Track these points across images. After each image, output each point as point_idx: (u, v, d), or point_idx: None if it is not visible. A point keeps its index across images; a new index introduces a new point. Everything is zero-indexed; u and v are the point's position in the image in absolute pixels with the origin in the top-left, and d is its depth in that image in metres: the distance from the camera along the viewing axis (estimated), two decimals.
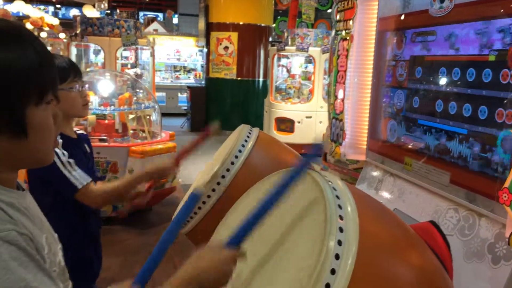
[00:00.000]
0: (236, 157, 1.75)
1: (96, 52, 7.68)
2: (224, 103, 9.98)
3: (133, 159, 4.31)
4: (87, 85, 1.98)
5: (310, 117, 7.81)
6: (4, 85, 0.76)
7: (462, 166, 1.66)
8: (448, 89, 1.77)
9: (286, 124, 8.02)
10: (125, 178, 1.82)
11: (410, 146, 1.97)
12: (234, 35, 9.72)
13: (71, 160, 1.68)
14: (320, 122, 7.55)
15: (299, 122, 7.86)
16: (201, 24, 10.64)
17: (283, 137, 7.87)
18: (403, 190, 1.98)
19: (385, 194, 2.10)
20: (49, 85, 0.83)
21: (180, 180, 5.80)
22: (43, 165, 0.89)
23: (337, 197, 1.04)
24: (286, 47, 8.06)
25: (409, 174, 1.94)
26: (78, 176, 1.67)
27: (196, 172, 2.16)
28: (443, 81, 1.80)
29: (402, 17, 2.03)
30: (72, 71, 1.69)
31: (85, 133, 2.01)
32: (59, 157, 1.65)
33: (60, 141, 1.67)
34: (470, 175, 1.62)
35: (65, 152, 1.68)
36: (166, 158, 4.56)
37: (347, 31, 2.25)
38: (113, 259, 3.60)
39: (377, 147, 2.20)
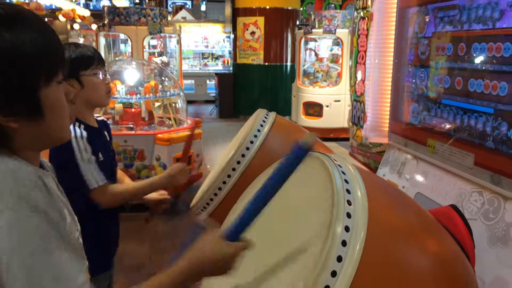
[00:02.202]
0: (252, 142, 1.73)
1: (124, 42, 7.77)
2: (252, 88, 9.95)
3: (159, 146, 4.35)
4: (111, 74, 2.02)
5: (338, 101, 7.69)
6: (14, 68, 0.78)
7: (487, 147, 1.58)
8: (474, 66, 1.68)
9: (314, 109, 7.93)
10: (142, 182, 1.84)
11: (433, 128, 1.89)
12: (260, 20, 9.63)
13: (92, 158, 1.69)
14: (349, 105, 7.42)
15: (327, 106, 7.76)
16: (228, 10, 10.59)
17: (312, 122, 7.80)
18: (426, 173, 1.91)
19: (408, 178, 2.03)
20: (57, 64, 0.86)
21: (207, 166, 5.84)
22: (61, 142, 0.93)
23: (346, 181, 1.00)
24: (313, 30, 7.94)
25: (433, 156, 1.86)
26: (93, 177, 1.68)
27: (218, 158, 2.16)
28: (468, 58, 1.71)
29: None
30: (95, 59, 1.73)
31: (104, 119, 2.02)
32: (80, 152, 1.67)
33: (84, 133, 1.69)
34: (495, 156, 1.54)
35: (88, 148, 1.69)
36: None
37: (366, 9, 2.17)
38: (140, 245, 3.67)
39: (400, 129, 2.13)
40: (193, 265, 0.92)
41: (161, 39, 8.06)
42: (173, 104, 5.08)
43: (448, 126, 1.79)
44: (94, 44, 7.64)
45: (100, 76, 1.75)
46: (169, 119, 4.94)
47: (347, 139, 4.37)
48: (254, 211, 0.94)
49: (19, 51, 0.78)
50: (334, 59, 8.33)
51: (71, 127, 1.59)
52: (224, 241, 0.94)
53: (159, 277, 0.90)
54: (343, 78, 7.65)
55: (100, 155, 1.77)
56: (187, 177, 1.86)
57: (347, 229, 0.89)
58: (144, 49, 6.75)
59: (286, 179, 0.94)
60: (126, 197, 1.81)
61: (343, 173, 1.03)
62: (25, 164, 0.82)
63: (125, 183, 1.91)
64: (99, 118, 1.94)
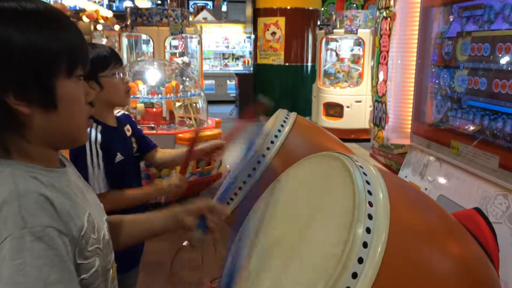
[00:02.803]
0: (272, 142, 1.72)
1: (146, 42, 7.85)
2: (272, 89, 9.93)
3: (180, 146, 4.38)
4: (132, 74, 2.04)
5: (359, 102, 7.63)
6: (31, 55, 0.78)
7: None
8: (500, 66, 1.64)
9: (335, 109, 7.88)
10: (139, 191, 1.84)
11: (457, 129, 1.86)
12: (281, 20, 9.61)
13: (102, 164, 1.71)
14: (370, 106, 7.35)
15: (348, 107, 7.71)
16: (249, 10, 10.61)
17: (332, 123, 7.75)
18: (450, 176, 1.88)
19: (431, 180, 2.00)
20: (78, 58, 0.86)
21: (227, 166, 5.86)
22: (77, 144, 0.92)
23: (368, 182, 0.99)
24: (335, 30, 7.89)
25: (456, 158, 1.83)
26: (100, 181, 1.70)
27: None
28: (493, 58, 1.67)
29: None
30: (113, 59, 1.74)
31: (126, 113, 2.04)
32: (92, 156, 1.69)
33: (99, 138, 1.70)
34: None
35: (100, 154, 1.71)
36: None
37: (389, 9, 2.15)
38: (159, 243, 3.69)
39: (423, 130, 2.10)
40: None
41: (182, 40, 8.13)
42: (194, 104, 5.12)
43: (472, 127, 1.76)
44: (116, 44, 7.74)
45: (119, 75, 1.76)
46: (190, 119, 4.98)
47: (368, 140, 4.34)
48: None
49: (40, 38, 0.79)
50: (355, 59, 8.26)
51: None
52: None
53: None
54: (365, 78, 7.59)
55: (119, 155, 1.79)
56: (185, 187, 1.83)
57: (368, 230, 0.88)
58: (166, 50, 6.82)
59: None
60: (130, 203, 1.79)
61: (365, 174, 1.02)
62: (33, 181, 0.80)
63: (121, 193, 1.83)
64: (119, 114, 1.95)
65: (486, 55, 1.70)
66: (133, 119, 2.08)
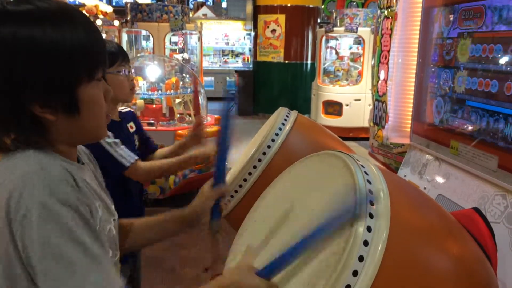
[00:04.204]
0: (273, 140, 1.73)
1: (146, 38, 7.83)
2: (272, 86, 9.94)
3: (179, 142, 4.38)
4: (133, 70, 2.05)
5: (359, 100, 7.64)
6: (56, 65, 0.80)
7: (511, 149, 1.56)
8: (499, 67, 1.66)
9: (334, 107, 7.88)
10: (173, 159, 1.88)
11: (456, 129, 1.87)
12: (281, 18, 9.61)
13: (117, 140, 1.73)
14: (369, 105, 7.34)
15: (347, 105, 7.71)
16: (249, 7, 10.59)
17: (331, 121, 7.76)
18: (449, 175, 1.90)
19: (430, 179, 2.01)
20: (99, 62, 0.87)
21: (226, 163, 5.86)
22: (97, 140, 0.96)
23: (369, 181, 1.00)
24: (335, 28, 7.89)
25: (455, 158, 1.84)
26: (125, 155, 1.73)
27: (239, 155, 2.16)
28: (493, 59, 1.69)
29: None
30: (120, 56, 1.74)
31: (131, 110, 2.05)
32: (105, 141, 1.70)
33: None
34: None
35: (110, 133, 1.73)
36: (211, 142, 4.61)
37: (390, 9, 2.16)
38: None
39: (422, 130, 2.11)
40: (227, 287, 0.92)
41: (182, 36, 8.12)
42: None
43: (471, 127, 1.77)
44: (116, 40, 7.73)
45: (125, 72, 1.77)
46: (189, 115, 4.98)
47: (366, 139, 4.34)
48: (292, 256, 0.94)
49: (62, 46, 0.80)
50: (355, 57, 8.27)
51: None
52: (256, 274, 0.94)
53: None
54: (364, 77, 7.59)
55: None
56: (205, 127, 1.96)
57: (369, 229, 0.89)
58: (166, 46, 6.81)
59: (331, 233, 0.92)
60: (160, 172, 1.87)
61: (366, 173, 1.03)
62: (56, 159, 0.84)
63: (162, 161, 1.92)
64: (123, 110, 1.96)
65: (486, 56, 1.71)
66: (138, 118, 2.09)
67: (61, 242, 0.73)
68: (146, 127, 4.38)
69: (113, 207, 1.04)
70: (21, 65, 0.78)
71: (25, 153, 0.82)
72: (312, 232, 0.93)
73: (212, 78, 12.32)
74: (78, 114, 0.85)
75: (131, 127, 1.96)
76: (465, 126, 1.81)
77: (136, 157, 1.77)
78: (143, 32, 7.31)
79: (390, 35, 2.17)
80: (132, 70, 1.91)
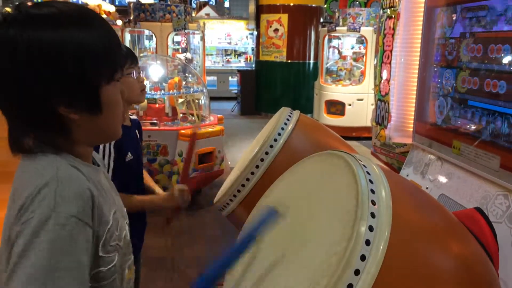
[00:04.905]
0: (275, 140, 1.74)
1: (149, 38, 7.85)
2: (274, 86, 9.94)
3: (182, 142, 4.40)
4: (143, 72, 2.04)
5: (361, 100, 7.63)
6: (80, 66, 0.82)
7: None
8: (502, 67, 1.66)
9: (336, 107, 7.88)
10: (143, 197, 1.86)
11: (458, 129, 1.87)
12: (284, 17, 9.61)
13: (112, 164, 1.73)
14: (372, 104, 7.34)
15: (350, 105, 7.71)
16: (252, 7, 10.59)
17: (334, 120, 7.76)
18: (451, 175, 1.90)
19: (432, 179, 2.02)
20: (119, 63, 0.91)
21: (229, 163, 5.87)
22: (113, 139, 1.00)
23: (371, 181, 1.01)
24: (337, 28, 7.89)
25: (458, 158, 1.85)
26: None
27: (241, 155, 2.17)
28: (496, 59, 1.69)
29: None
30: (129, 58, 1.75)
31: (137, 118, 2.06)
32: (104, 156, 1.70)
33: None
34: None
35: (112, 153, 1.73)
36: (215, 141, 4.63)
37: (393, 8, 2.16)
38: (160, 239, 3.72)
39: (424, 129, 2.11)
40: None
41: (185, 36, 8.13)
42: (196, 101, 5.12)
43: (474, 127, 1.77)
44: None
45: (134, 75, 1.78)
46: (192, 115, 4.99)
47: (369, 138, 4.35)
48: (221, 267, 0.94)
49: (87, 48, 0.83)
50: (357, 57, 8.26)
51: None
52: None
53: None
54: (367, 76, 7.58)
55: (129, 154, 1.81)
56: (188, 199, 1.84)
57: (371, 228, 0.90)
58: (168, 46, 6.81)
59: (253, 241, 0.95)
60: (127, 207, 1.81)
61: (368, 173, 1.03)
62: (75, 165, 0.86)
63: (130, 195, 1.82)
64: (132, 117, 1.97)
65: (489, 56, 1.71)
66: (140, 122, 2.10)
67: (38, 258, 0.73)
68: (149, 127, 4.43)
69: (125, 209, 1.06)
70: (49, 67, 0.80)
71: (47, 157, 0.84)
72: (240, 241, 0.95)
73: (215, 78, 12.33)
74: (100, 113, 0.87)
75: (137, 134, 1.98)
76: (468, 126, 1.81)
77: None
78: (146, 32, 7.33)
79: (393, 35, 2.17)
80: (143, 73, 1.91)
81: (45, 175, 0.80)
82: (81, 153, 0.91)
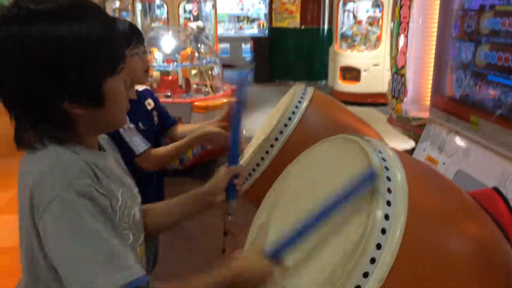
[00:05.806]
0: (290, 119, 1.72)
1: (160, 7, 7.75)
2: (288, 53, 9.78)
3: (196, 114, 4.40)
4: (149, 52, 2.00)
5: (377, 65, 7.48)
6: (84, 61, 0.83)
7: None
8: None
9: (352, 73, 7.75)
10: (181, 141, 1.86)
11: (477, 104, 1.84)
12: None
13: (132, 126, 1.73)
14: (388, 69, 7.21)
15: (365, 71, 7.57)
16: None
17: (349, 87, 7.66)
18: (468, 151, 1.88)
19: (449, 154, 1.99)
20: (120, 55, 0.91)
21: (243, 131, 5.87)
22: (117, 128, 1.04)
23: (386, 168, 1.00)
24: None
25: (475, 133, 1.82)
26: (137, 143, 1.73)
27: (258, 124, 2.12)
28: None
29: None
30: (134, 37, 1.70)
31: (148, 88, 2.04)
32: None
33: None
34: None
35: (127, 118, 1.73)
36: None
37: None
38: (171, 253, 3.68)
39: (442, 104, 2.08)
40: (236, 275, 0.94)
41: (196, 3, 8.00)
42: (209, 71, 5.09)
43: (493, 103, 1.74)
44: (130, 8, 7.66)
45: (139, 54, 1.74)
46: (206, 86, 4.96)
47: (385, 104, 4.28)
48: (302, 233, 0.95)
49: (89, 42, 0.82)
50: (372, 21, 8.05)
51: None
52: (265, 259, 0.95)
53: (202, 278, 0.91)
54: (383, 41, 7.40)
55: (141, 125, 1.81)
56: (223, 139, 1.77)
57: (386, 217, 0.90)
58: (180, 14, 6.72)
59: (342, 205, 0.94)
60: (168, 158, 1.83)
61: (384, 159, 1.02)
62: (77, 153, 0.87)
63: (166, 147, 1.88)
64: (140, 89, 1.95)
65: (509, 30, 1.66)
66: (154, 94, 2.08)
67: (77, 231, 0.77)
68: (163, 99, 4.41)
69: (136, 190, 1.07)
70: (52, 64, 0.80)
71: (48, 148, 0.86)
72: (323, 207, 0.95)
73: (228, 45, 12.17)
74: (104, 106, 0.88)
75: (149, 104, 1.96)
76: (486, 102, 1.78)
77: (148, 146, 1.75)
78: (157, 1, 7.24)
79: (409, 6, 2.10)
80: (146, 52, 1.86)
81: (47, 162, 0.83)
82: (84, 143, 0.91)
